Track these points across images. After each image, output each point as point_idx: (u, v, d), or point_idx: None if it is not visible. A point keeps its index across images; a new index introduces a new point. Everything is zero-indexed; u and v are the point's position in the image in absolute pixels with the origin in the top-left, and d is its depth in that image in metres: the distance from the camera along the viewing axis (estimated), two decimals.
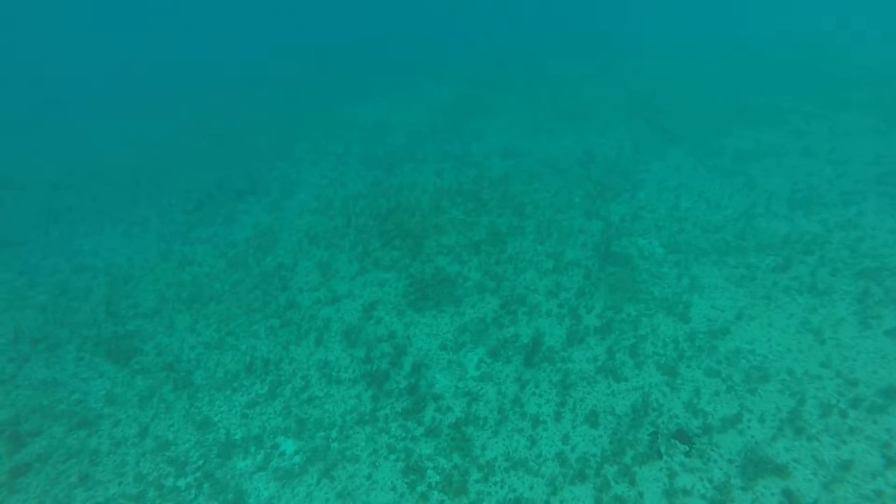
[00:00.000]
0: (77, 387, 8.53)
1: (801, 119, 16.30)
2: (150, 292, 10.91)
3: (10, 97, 30.27)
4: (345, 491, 6.61)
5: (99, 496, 6.74)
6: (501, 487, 6.47)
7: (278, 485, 6.77)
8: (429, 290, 10.04)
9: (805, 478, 6.22)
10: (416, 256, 11.12)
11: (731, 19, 31.92)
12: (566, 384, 7.82)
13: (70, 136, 22.19)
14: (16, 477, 6.98)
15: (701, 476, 6.35)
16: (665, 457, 6.60)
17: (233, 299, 10.44)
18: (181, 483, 6.86)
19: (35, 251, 12.94)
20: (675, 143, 15.69)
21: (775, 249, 10.33)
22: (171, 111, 24.56)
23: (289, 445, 7.30)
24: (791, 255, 10.15)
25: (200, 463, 7.13)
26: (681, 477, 6.35)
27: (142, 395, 8.32)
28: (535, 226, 11.98)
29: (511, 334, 8.87)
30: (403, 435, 7.29)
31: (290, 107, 23.21)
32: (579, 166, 14.85)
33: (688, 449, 6.61)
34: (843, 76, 20.94)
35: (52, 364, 9.04)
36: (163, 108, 25.24)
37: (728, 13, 33.32)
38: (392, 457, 6.99)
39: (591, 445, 6.90)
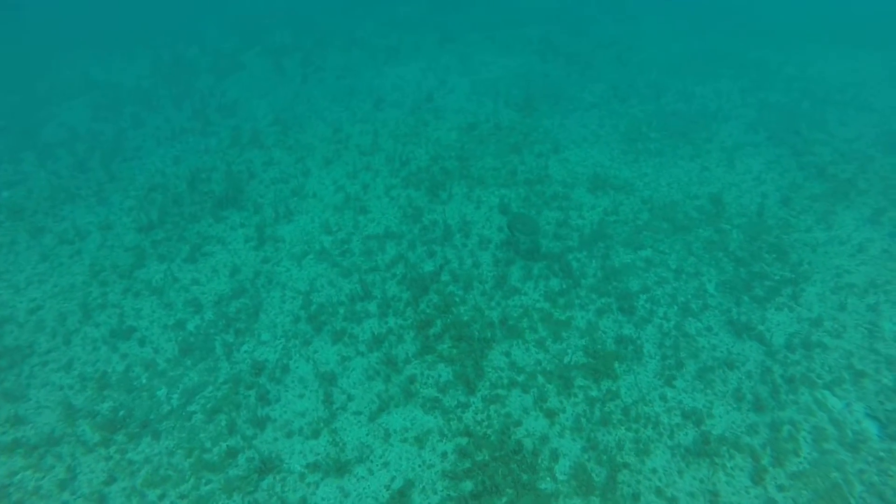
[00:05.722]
0: None
1: None
2: (52, 392, 7.34)
3: None
4: None
5: None
6: None
7: None
8: (496, 468, 6.38)
9: None
10: (474, 385, 7.40)
11: None
12: None
13: (25, 65, 18.06)
14: None
15: None
16: None
17: (180, 430, 6.86)
18: None
19: None
20: (845, 197, 11.47)
21: None
22: (148, 43, 20.19)
23: None
24: None
25: None
26: None
27: None
28: (657, 340, 8.14)
29: None
30: None
31: (306, 60, 18.79)
32: (707, 223, 10.79)
33: None
34: None
35: None
36: (139, 38, 20.84)
37: None
38: None
39: None
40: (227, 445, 6.70)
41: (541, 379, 7.51)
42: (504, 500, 6.14)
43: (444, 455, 6.58)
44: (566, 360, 7.79)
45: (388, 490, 6.24)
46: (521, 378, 7.53)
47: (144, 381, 7.56)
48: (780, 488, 6.31)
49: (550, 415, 7.04)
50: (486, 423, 6.93)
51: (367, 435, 6.82)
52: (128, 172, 12.33)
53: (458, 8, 25.47)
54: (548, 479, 6.36)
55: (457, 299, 8.75)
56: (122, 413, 7.10)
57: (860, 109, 15.14)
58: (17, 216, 10.74)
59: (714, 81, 17.53)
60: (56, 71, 18.18)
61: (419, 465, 6.49)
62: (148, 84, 17.27)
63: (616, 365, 7.77)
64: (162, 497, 6.16)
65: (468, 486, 6.26)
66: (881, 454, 6.64)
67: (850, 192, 11.55)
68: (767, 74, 17.79)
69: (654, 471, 6.48)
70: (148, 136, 14.03)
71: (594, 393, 7.36)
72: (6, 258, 9.70)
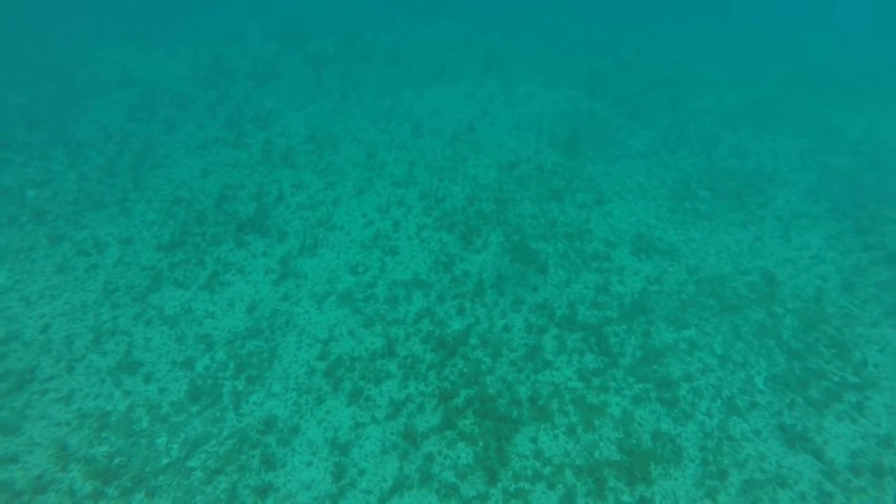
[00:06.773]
0: None
1: None
2: (47, 427, 7.04)
3: None
4: None
5: None
6: None
7: None
8: None
9: None
10: (496, 473, 6.87)
11: None
12: None
13: (65, 54, 18.24)
14: None
15: None
16: None
17: (176, 489, 6.48)
18: None
19: None
20: None
21: None
22: (190, 41, 20.27)
23: None
24: None
25: None
26: None
27: None
28: (698, 441, 7.53)
29: None
30: None
31: (346, 74, 18.62)
32: (758, 304, 10.13)
33: None
34: None
35: None
36: (181, 34, 20.96)
37: None
38: None
39: None
40: None
41: (569, 474, 6.97)
42: None
43: None
44: (597, 454, 7.23)
45: None
46: (547, 470, 6.99)
47: (145, 424, 7.22)
48: None
49: None
50: None
51: None
52: (154, 181, 12.16)
53: (506, 31, 25.19)
54: None
55: (484, 367, 8.26)
56: (117, 461, 6.76)
57: None
58: (40, 219, 10.59)
59: (771, 138, 16.84)
60: (96, 63, 18.30)
61: None
62: (185, 85, 17.24)
63: (652, 466, 7.18)
64: None
65: None
66: None
67: None
68: (830, 135, 17.03)
69: None
70: (178, 142, 13.90)
71: (626, 498, 6.79)
72: (22, 266, 9.51)
